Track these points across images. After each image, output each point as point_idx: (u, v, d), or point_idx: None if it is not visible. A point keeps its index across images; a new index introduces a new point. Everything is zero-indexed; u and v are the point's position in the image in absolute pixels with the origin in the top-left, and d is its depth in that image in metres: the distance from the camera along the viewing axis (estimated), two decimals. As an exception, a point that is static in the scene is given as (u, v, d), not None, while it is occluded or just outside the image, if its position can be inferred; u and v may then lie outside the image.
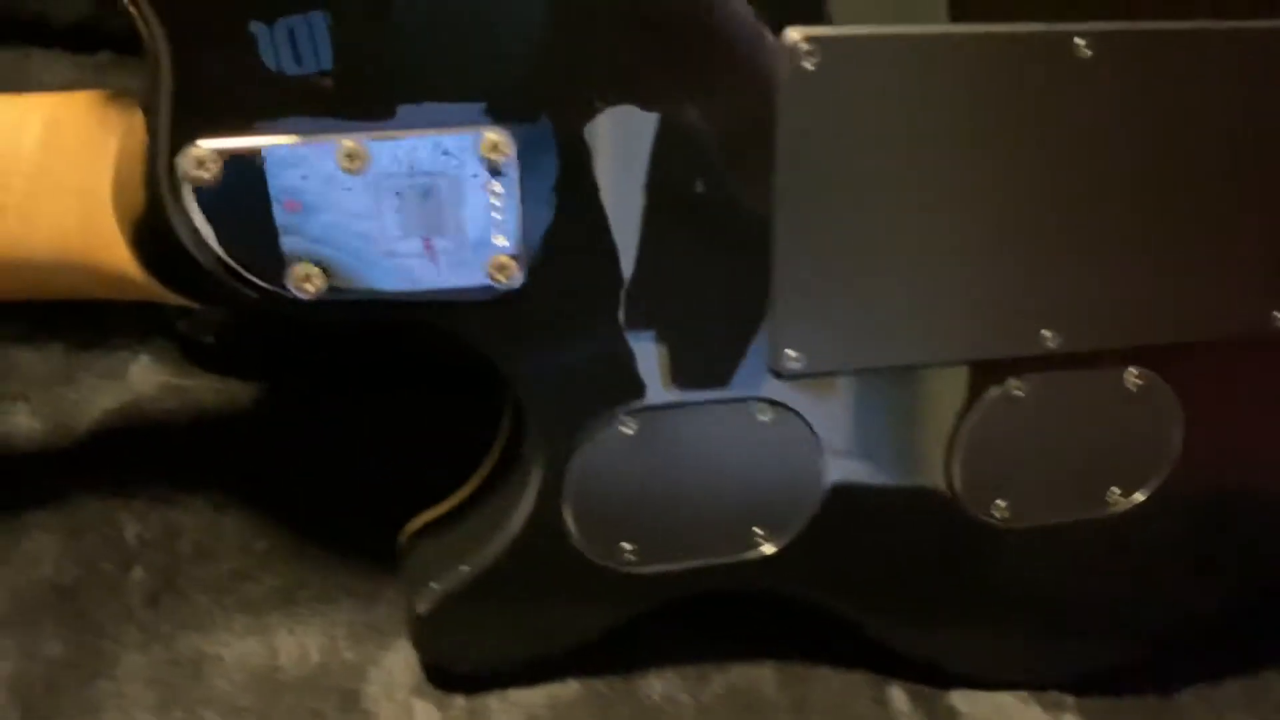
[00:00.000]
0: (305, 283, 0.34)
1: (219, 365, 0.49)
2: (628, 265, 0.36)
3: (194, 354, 0.49)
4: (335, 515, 0.45)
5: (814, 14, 0.35)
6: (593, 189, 0.35)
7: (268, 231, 0.33)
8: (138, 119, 0.34)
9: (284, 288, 0.34)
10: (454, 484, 0.43)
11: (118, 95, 0.36)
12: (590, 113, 0.34)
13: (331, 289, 0.34)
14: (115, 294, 0.37)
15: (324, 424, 0.48)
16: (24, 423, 0.47)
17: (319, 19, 0.32)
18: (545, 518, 0.39)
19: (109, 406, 0.48)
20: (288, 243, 0.34)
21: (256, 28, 0.31)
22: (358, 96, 0.33)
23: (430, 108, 0.33)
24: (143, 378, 0.49)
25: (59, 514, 0.43)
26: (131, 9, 0.32)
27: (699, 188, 0.36)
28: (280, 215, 0.33)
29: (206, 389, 0.49)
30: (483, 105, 0.33)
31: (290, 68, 0.32)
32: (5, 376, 0.48)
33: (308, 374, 0.49)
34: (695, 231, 0.36)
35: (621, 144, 0.35)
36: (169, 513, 0.44)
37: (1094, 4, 0.37)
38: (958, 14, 0.36)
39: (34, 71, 0.48)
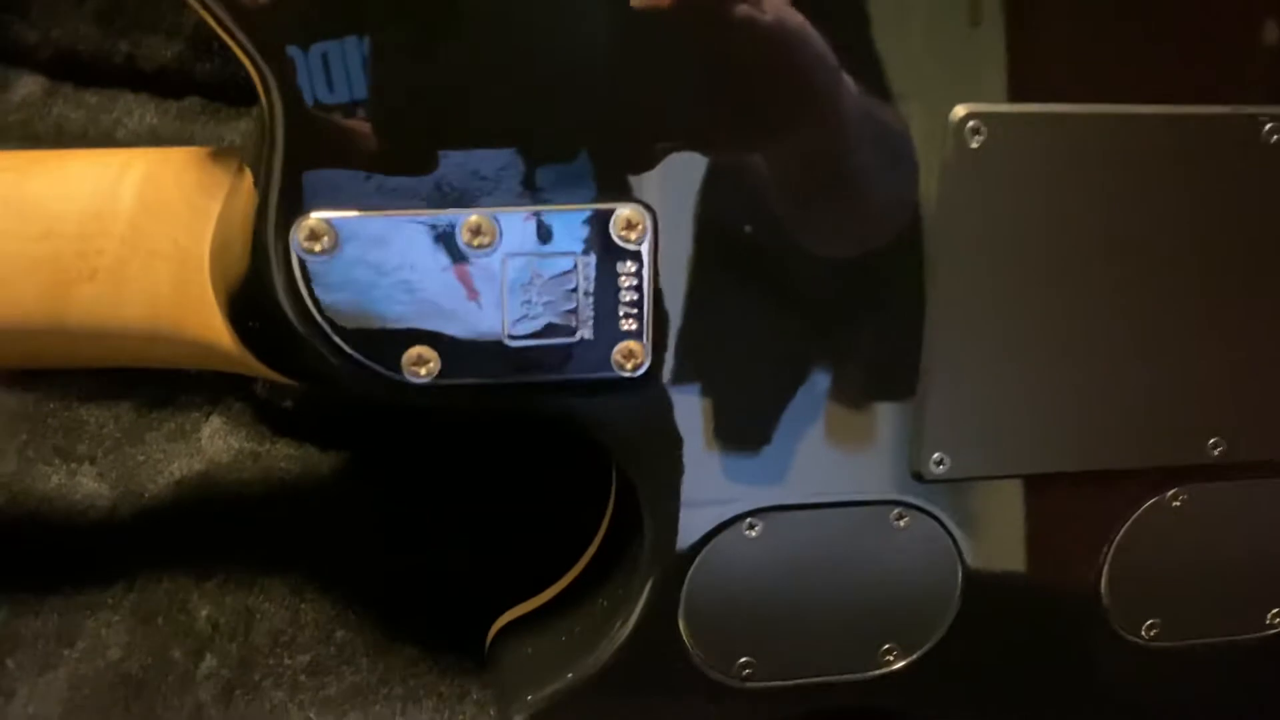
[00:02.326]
0: (418, 366, 0.31)
1: (296, 430, 0.46)
2: (758, 356, 0.33)
3: (270, 418, 0.47)
4: (419, 602, 0.42)
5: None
6: (721, 272, 0.32)
7: (382, 310, 0.30)
8: (243, 180, 0.32)
9: (396, 371, 0.31)
10: (548, 570, 0.40)
11: (221, 152, 0.34)
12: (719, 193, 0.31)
13: (445, 374, 0.31)
14: (205, 365, 0.34)
15: (407, 499, 0.45)
16: (90, 486, 0.44)
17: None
18: (657, 626, 0.35)
19: (180, 473, 0.45)
20: (403, 323, 0.31)
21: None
22: (487, 170, 0.30)
23: (567, 182, 0.30)
24: (215, 442, 0.46)
25: (128, 593, 0.40)
26: (246, 62, 0.29)
27: (840, 285, 0.33)
28: (397, 293, 0.30)
29: (282, 455, 0.46)
30: (622, 179, 0.31)
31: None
32: (73, 436, 0.46)
33: (389, 445, 0.46)
34: (833, 326, 0.33)
35: (749, 221, 0.32)
36: (244, 596, 0.40)
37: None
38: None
39: (120, 115, 0.46)
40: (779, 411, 0.34)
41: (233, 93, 0.46)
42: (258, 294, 0.31)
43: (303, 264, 0.30)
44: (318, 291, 0.30)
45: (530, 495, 0.45)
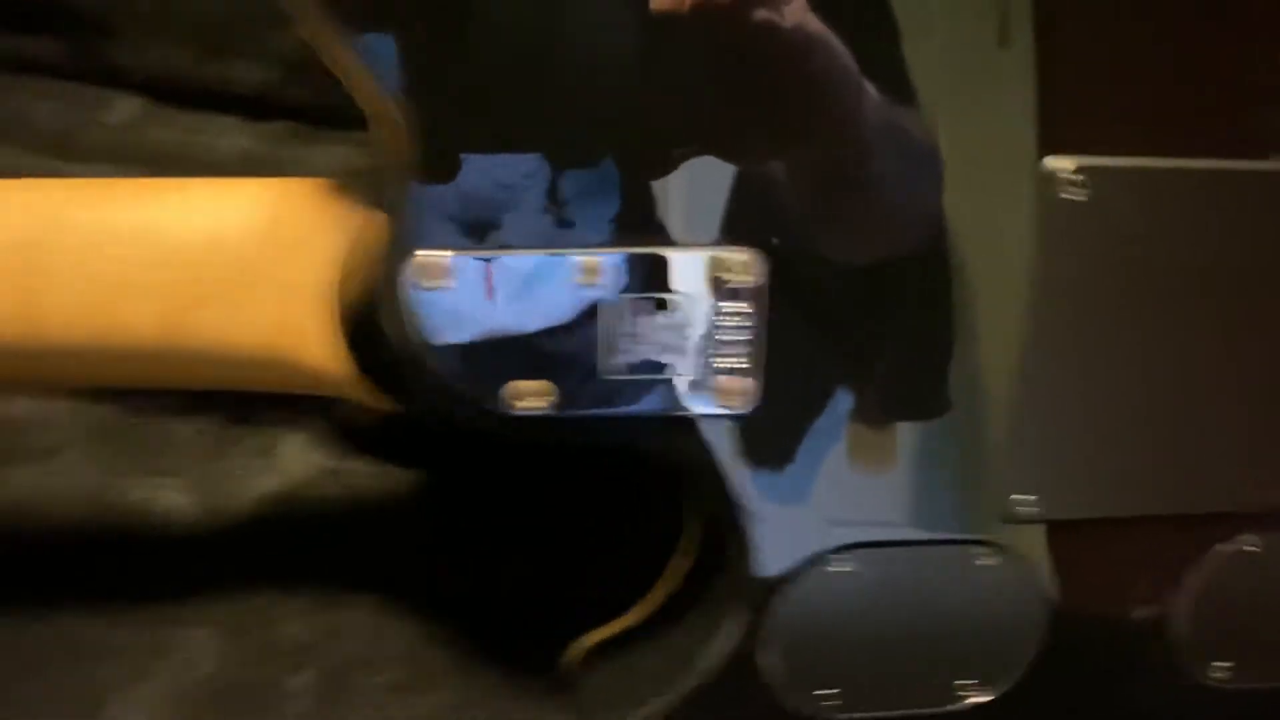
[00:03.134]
0: (525, 400, 0.32)
1: (376, 449, 0.47)
2: (848, 390, 0.34)
3: (350, 435, 0.47)
4: (503, 622, 0.42)
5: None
6: (828, 312, 0.33)
7: (497, 345, 0.31)
8: (364, 212, 0.33)
9: (502, 404, 0.32)
10: (631, 590, 0.40)
11: (341, 183, 0.34)
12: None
13: (551, 408, 0.32)
14: (316, 391, 0.35)
15: (487, 519, 0.45)
16: (174, 499, 0.45)
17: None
18: (740, 659, 0.36)
19: (263, 489, 0.45)
20: (511, 357, 0.32)
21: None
22: (597, 216, 0.31)
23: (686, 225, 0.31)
24: (296, 458, 0.46)
25: (217, 607, 0.41)
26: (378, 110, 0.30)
27: (948, 333, 0.34)
28: (507, 328, 0.31)
29: (364, 473, 0.46)
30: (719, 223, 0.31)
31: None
32: (157, 450, 0.46)
33: (473, 464, 0.47)
34: (929, 365, 0.34)
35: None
36: (331, 614, 0.41)
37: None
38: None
39: (212, 138, 0.47)
40: (876, 449, 0.35)
41: (321, 117, 0.47)
42: (378, 325, 0.32)
43: (420, 298, 0.31)
44: (433, 324, 0.31)
45: (614, 515, 0.46)
